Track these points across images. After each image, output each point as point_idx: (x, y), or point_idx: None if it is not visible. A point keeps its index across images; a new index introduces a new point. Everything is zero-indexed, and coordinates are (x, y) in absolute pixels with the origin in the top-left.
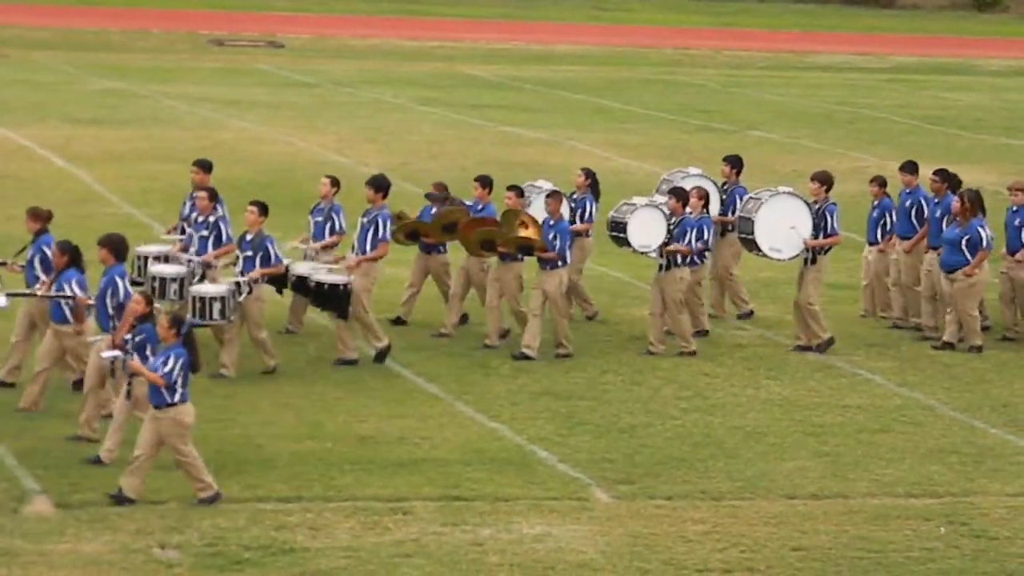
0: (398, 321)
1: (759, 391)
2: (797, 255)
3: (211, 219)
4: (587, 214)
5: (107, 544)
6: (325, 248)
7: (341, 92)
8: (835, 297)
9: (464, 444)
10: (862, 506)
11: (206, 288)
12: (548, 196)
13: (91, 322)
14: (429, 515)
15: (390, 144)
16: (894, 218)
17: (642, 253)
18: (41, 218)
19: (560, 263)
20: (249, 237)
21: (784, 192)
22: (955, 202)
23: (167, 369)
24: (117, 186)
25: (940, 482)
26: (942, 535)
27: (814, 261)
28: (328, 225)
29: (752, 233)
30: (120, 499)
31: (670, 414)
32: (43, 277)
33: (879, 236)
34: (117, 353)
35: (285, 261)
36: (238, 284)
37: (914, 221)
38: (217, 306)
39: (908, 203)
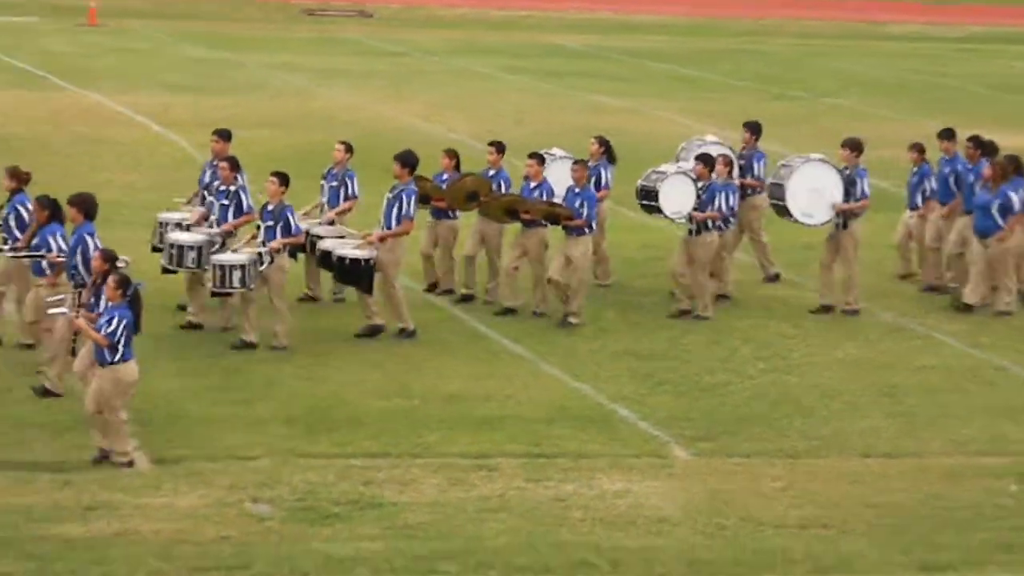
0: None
1: (835, 351)
2: (828, 220)
3: (232, 188)
4: (603, 182)
5: (201, 498)
6: (340, 214)
7: (429, 61)
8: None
9: (547, 403)
10: (935, 464)
11: (227, 257)
12: (575, 163)
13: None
14: (513, 471)
15: (477, 112)
16: (933, 184)
17: (674, 220)
18: (18, 178)
19: (587, 230)
20: (271, 207)
21: (815, 159)
22: (986, 168)
23: (110, 329)
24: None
25: (1012, 440)
26: (1013, 492)
27: (846, 226)
28: (342, 190)
29: (784, 199)
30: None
31: (748, 373)
32: (19, 236)
33: (920, 201)
34: (63, 309)
35: (304, 229)
36: (260, 254)
37: (952, 187)
38: (237, 274)
39: (947, 170)
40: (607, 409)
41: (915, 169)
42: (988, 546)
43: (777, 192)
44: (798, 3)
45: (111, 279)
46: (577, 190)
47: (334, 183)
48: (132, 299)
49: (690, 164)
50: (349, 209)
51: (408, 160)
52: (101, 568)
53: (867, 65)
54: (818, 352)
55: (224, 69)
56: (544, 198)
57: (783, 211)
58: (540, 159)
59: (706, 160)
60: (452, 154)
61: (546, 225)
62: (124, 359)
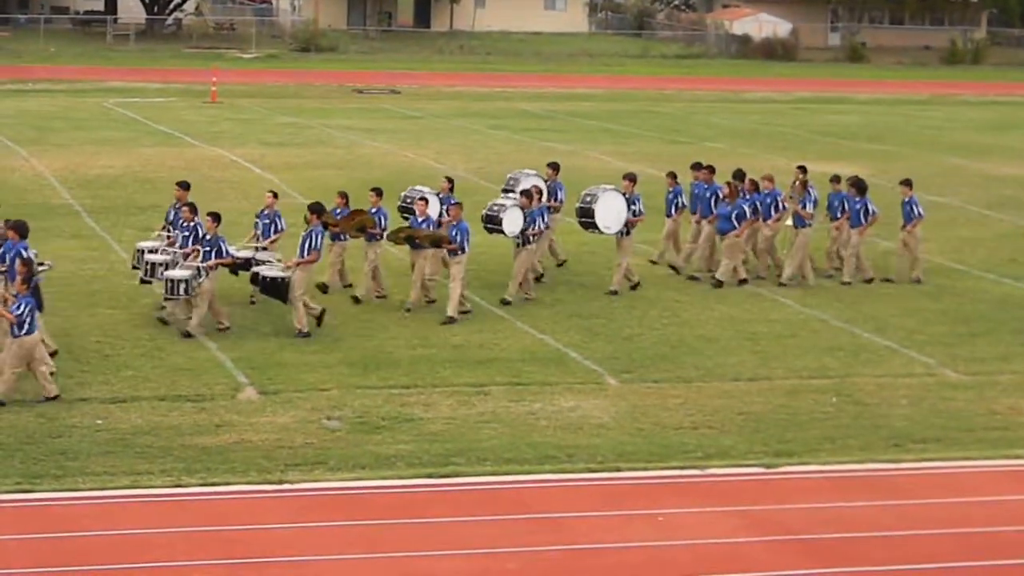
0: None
1: (712, 311)
2: (619, 230)
3: (191, 224)
4: (558, 196)
5: (292, 417)
6: (272, 243)
7: (438, 121)
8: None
9: (522, 348)
10: (781, 385)
11: (174, 272)
12: (452, 205)
13: None
14: (500, 395)
15: (471, 155)
16: (684, 200)
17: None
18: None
19: (460, 252)
20: (209, 236)
21: (610, 189)
22: (723, 187)
23: (19, 312)
24: (295, 186)
25: (831, 368)
26: (834, 403)
27: (628, 233)
28: (272, 226)
29: (592, 217)
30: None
31: (655, 327)
32: None
33: (673, 212)
34: None
35: (239, 254)
36: (198, 269)
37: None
38: (182, 285)
39: (697, 191)
40: (562, 352)
41: (670, 189)
42: (818, 439)
43: (586, 212)
44: (685, 79)
45: (19, 277)
46: (453, 223)
47: (266, 221)
48: (34, 290)
49: (516, 199)
50: (278, 239)
51: (316, 209)
52: (227, 465)
53: (731, 119)
54: (701, 312)
55: (301, 130)
56: (431, 229)
57: (591, 225)
58: (426, 201)
59: (527, 194)
60: (343, 195)
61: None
62: (29, 332)
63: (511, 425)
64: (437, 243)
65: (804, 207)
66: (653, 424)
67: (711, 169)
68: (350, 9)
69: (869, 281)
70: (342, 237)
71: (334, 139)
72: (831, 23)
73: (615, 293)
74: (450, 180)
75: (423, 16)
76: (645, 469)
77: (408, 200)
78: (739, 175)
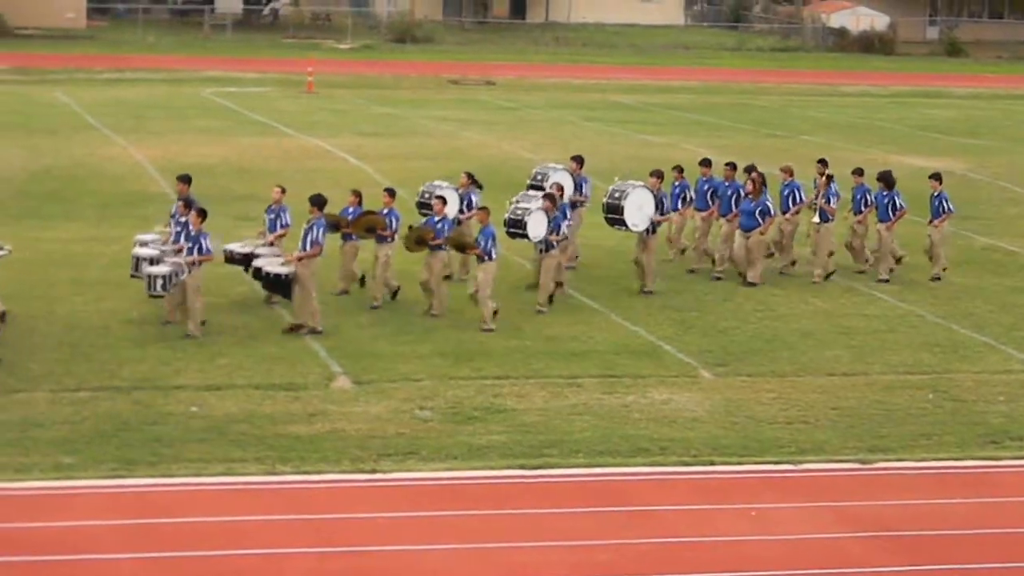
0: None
1: (808, 305)
2: (647, 227)
3: (183, 219)
4: (472, 204)
5: (385, 407)
6: (278, 237)
7: (533, 113)
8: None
9: (615, 341)
10: (877, 380)
11: (154, 268)
12: (479, 209)
13: None
14: (593, 387)
15: (566, 146)
16: (692, 193)
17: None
18: None
19: (487, 258)
20: (193, 232)
21: (639, 185)
22: (748, 183)
23: None
24: (390, 176)
25: (928, 364)
26: (930, 399)
27: (654, 231)
28: (278, 221)
29: (621, 214)
30: None
31: (749, 320)
32: None
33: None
34: None
35: (242, 250)
36: (181, 266)
37: (708, 199)
38: (160, 281)
39: (705, 187)
40: (655, 345)
41: (676, 183)
42: (913, 435)
43: (614, 208)
44: (781, 72)
45: None
46: (480, 228)
47: (272, 216)
48: None
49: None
50: (284, 234)
51: (317, 201)
52: (319, 455)
53: (827, 113)
54: (796, 306)
55: (397, 120)
56: (446, 231)
57: (618, 222)
58: (443, 200)
59: (550, 197)
60: (357, 193)
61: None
62: None
63: (604, 417)
64: (461, 248)
65: (828, 201)
66: (747, 418)
67: (732, 166)
68: (446, 0)
69: (891, 269)
70: (352, 237)
71: (429, 130)
72: (929, 17)
73: (650, 292)
74: (470, 176)
75: (519, 8)
76: (739, 463)
77: (427, 196)
78: (750, 170)
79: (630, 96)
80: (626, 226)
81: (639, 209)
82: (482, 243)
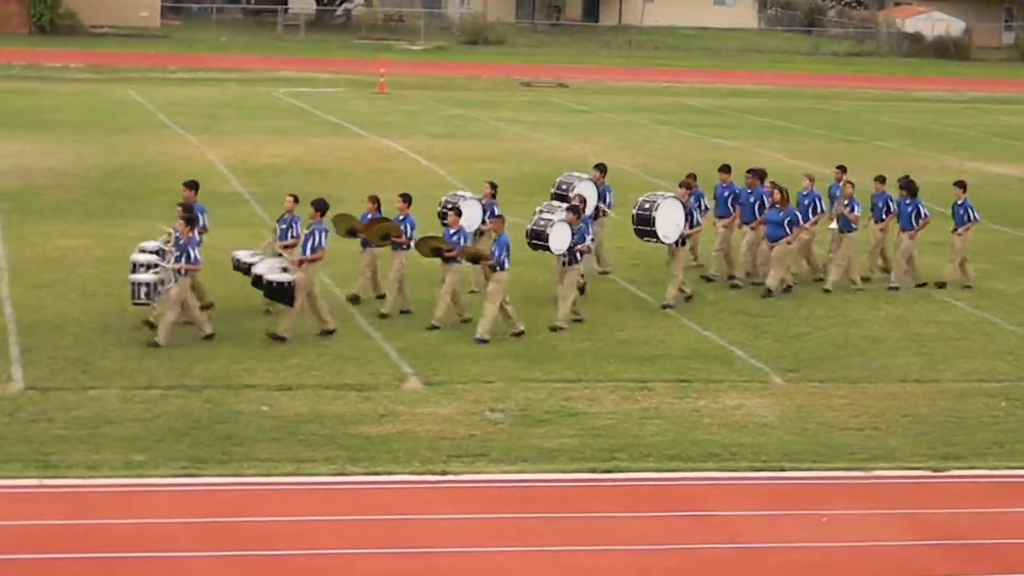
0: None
1: (880, 311)
2: (677, 239)
3: (201, 218)
4: (496, 214)
5: (455, 409)
6: (287, 247)
7: (604, 116)
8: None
9: (686, 345)
10: (949, 388)
11: (138, 276)
12: (493, 218)
13: None
14: (665, 391)
15: (637, 150)
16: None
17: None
18: None
19: (499, 268)
20: (182, 242)
21: (670, 196)
22: (775, 193)
23: None
24: (461, 177)
25: (1002, 372)
26: (1003, 407)
27: (684, 243)
28: (289, 231)
29: (652, 225)
30: None
31: (822, 326)
32: None
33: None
34: None
35: (249, 259)
36: (168, 274)
37: (729, 206)
38: (144, 289)
39: (725, 193)
40: (727, 350)
41: (723, 185)
42: (986, 443)
43: (645, 220)
44: (855, 76)
45: None
46: (495, 237)
47: (284, 225)
48: None
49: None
50: (293, 245)
51: (320, 206)
52: (390, 455)
53: (901, 118)
54: (869, 312)
55: (468, 122)
56: (462, 243)
57: (648, 234)
58: (458, 212)
59: (574, 209)
60: (375, 199)
61: (460, 262)
62: None
63: (675, 422)
64: (475, 259)
65: (852, 210)
66: (818, 424)
67: (757, 174)
68: (518, 3)
69: (921, 285)
70: (372, 244)
71: (501, 132)
72: (1005, 22)
73: (671, 307)
74: (493, 185)
75: (592, 11)
76: (809, 469)
77: (448, 206)
78: (759, 173)
79: (702, 99)
80: (657, 238)
81: (670, 221)
82: (496, 253)
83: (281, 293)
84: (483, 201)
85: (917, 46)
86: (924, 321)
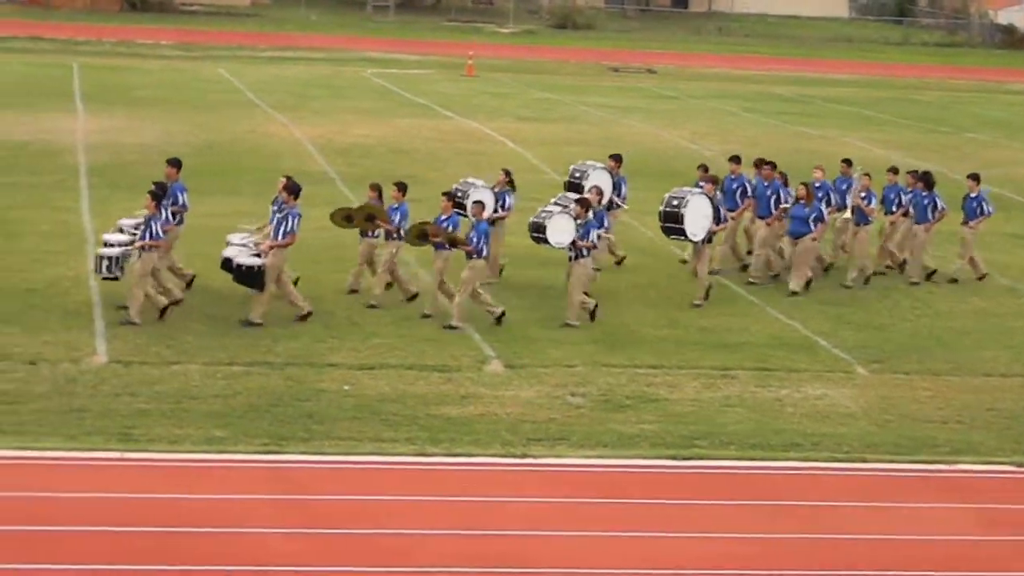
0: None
1: (966, 304)
2: (705, 237)
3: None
4: (507, 204)
5: (537, 392)
6: (284, 246)
7: (692, 102)
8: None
9: (770, 334)
10: None
11: (103, 250)
12: (473, 203)
13: None
14: (747, 379)
15: (726, 137)
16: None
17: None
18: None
19: (476, 255)
20: (147, 216)
21: (698, 192)
22: (800, 188)
23: None
24: (548, 162)
25: None
26: None
27: (710, 240)
28: (283, 225)
29: (681, 222)
30: None
31: (907, 318)
32: None
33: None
34: None
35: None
36: (128, 250)
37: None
38: (105, 263)
39: (735, 186)
40: (811, 339)
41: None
42: None
43: (673, 217)
44: (946, 67)
45: None
46: (474, 223)
47: (279, 216)
48: None
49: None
50: (290, 243)
51: (294, 189)
52: (470, 437)
53: (993, 110)
54: (955, 304)
55: (556, 106)
56: (450, 229)
57: (676, 231)
58: (450, 197)
59: (584, 203)
60: (376, 187)
61: (449, 248)
62: None
63: (756, 410)
64: (453, 244)
65: (868, 202)
66: (901, 416)
67: (772, 165)
68: None
69: (930, 276)
70: (369, 234)
71: (588, 116)
72: None
73: (699, 305)
74: (507, 172)
75: None
76: (892, 461)
77: (459, 193)
78: (764, 163)
79: (790, 88)
80: (685, 236)
81: (700, 217)
82: (474, 239)
83: (250, 277)
84: (496, 189)
85: (1010, 38)
86: (1011, 314)
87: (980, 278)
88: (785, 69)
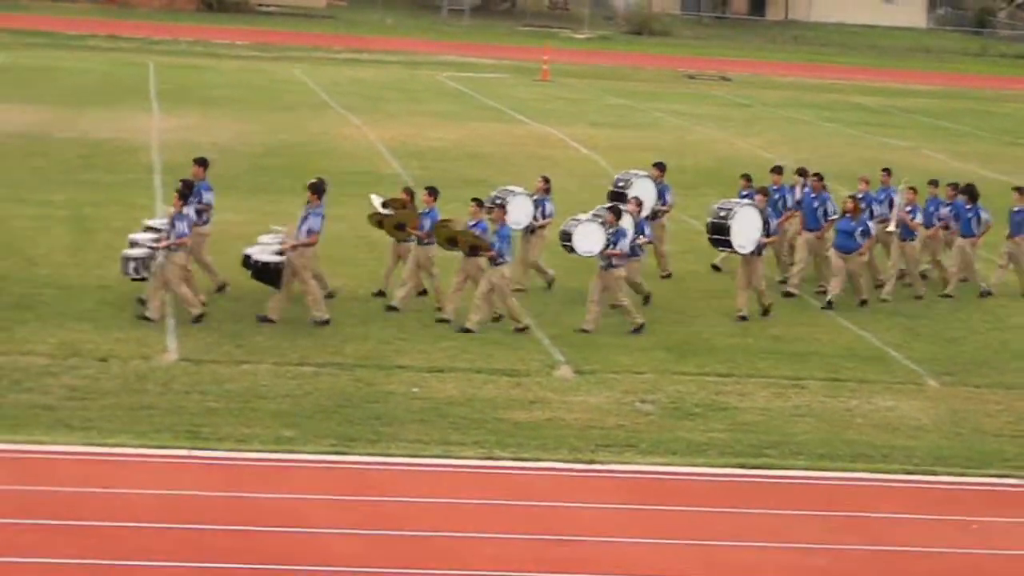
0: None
1: None
2: (753, 250)
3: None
4: (547, 212)
5: (606, 398)
6: (306, 245)
7: (767, 111)
8: None
9: (842, 344)
10: None
11: (129, 251)
12: (475, 203)
13: None
14: (816, 389)
15: (799, 146)
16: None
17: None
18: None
19: (500, 259)
20: (173, 215)
21: (746, 203)
22: (848, 202)
23: None
24: (620, 168)
25: None
26: None
27: (759, 253)
28: (304, 224)
29: (728, 234)
30: None
31: (978, 331)
32: None
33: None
34: None
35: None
36: (156, 250)
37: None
38: (132, 264)
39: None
40: (882, 351)
41: (743, 193)
42: None
43: (720, 229)
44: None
45: None
46: (496, 228)
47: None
48: None
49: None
50: (312, 243)
51: (318, 189)
52: (537, 442)
53: None
54: None
55: (630, 112)
56: (477, 234)
57: (723, 243)
58: (479, 203)
59: (615, 211)
60: (409, 191)
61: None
62: None
63: (826, 420)
64: (476, 249)
65: (914, 217)
66: (972, 429)
67: (819, 176)
68: None
69: (986, 294)
70: (425, 241)
71: (663, 123)
72: None
73: (744, 318)
74: (546, 180)
75: (758, 4)
76: (962, 475)
77: (497, 200)
78: (813, 174)
79: (869, 98)
80: (731, 247)
81: (749, 228)
82: (496, 244)
83: (267, 274)
84: (535, 196)
85: None
86: None
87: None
88: (862, 78)
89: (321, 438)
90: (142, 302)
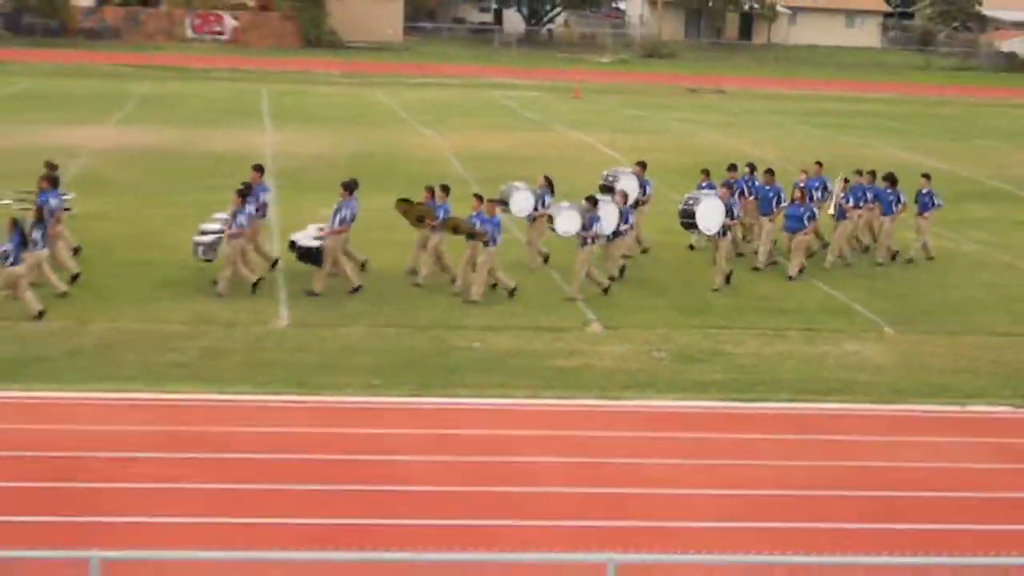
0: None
1: (976, 278)
2: (718, 231)
3: (260, 195)
4: (546, 204)
5: (628, 348)
6: (338, 232)
7: (754, 117)
8: None
9: (816, 301)
10: None
11: (198, 238)
12: (476, 197)
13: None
14: (797, 338)
15: (781, 144)
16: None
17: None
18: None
19: (491, 243)
20: (234, 210)
21: (712, 194)
22: (795, 190)
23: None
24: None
25: None
26: None
27: (724, 233)
28: (337, 215)
29: (694, 218)
30: None
31: (925, 288)
32: None
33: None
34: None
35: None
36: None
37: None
38: (201, 248)
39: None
40: (849, 306)
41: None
42: None
43: (688, 214)
44: (961, 87)
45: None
46: (486, 216)
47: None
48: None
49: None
50: (345, 231)
51: (348, 186)
52: (576, 384)
53: (1001, 122)
54: (966, 277)
55: (643, 121)
56: (476, 224)
57: (691, 226)
58: (479, 198)
59: (592, 200)
60: (430, 189)
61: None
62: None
63: (805, 362)
64: (472, 235)
65: (848, 201)
66: (922, 368)
67: (770, 171)
68: (687, 24)
69: (893, 257)
70: (439, 230)
71: (671, 128)
72: None
73: (717, 290)
74: (547, 178)
75: (746, 31)
76: (915, 404)
77: (504, 194)
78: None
79: (835, 104)
80: (698, 229)
81: (713, 214)
82: (488, 230)
83: (310, 256)
84: (536, 191)
85: (1012, 62)
86: (1013, 285)
87: (929, 259)
88: (828, 89)
89: (402, 385)
90: (215, 282)
